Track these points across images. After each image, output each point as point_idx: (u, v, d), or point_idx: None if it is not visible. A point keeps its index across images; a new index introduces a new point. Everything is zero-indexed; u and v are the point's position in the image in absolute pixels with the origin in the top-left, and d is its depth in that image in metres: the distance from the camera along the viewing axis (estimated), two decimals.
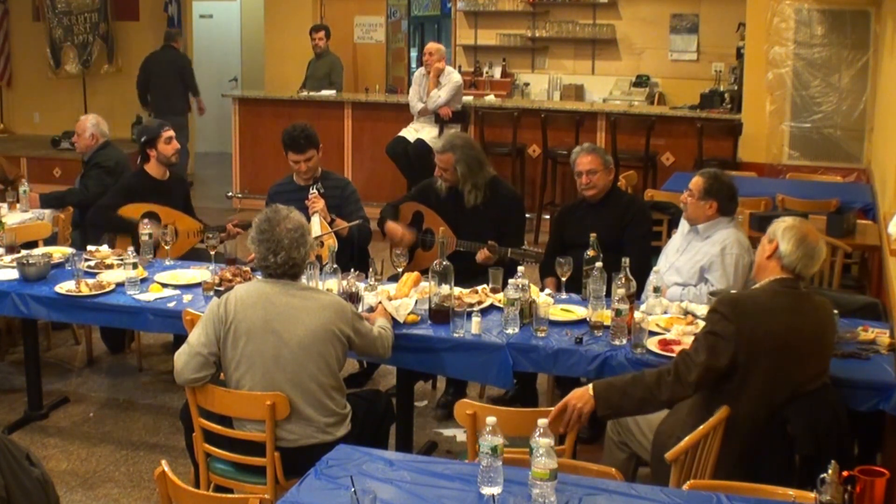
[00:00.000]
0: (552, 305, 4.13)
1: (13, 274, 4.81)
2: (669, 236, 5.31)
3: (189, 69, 10.58)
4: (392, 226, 5.31)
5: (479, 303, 4.28)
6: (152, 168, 5.72)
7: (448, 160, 5.13)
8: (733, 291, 3.84)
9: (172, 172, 5.85)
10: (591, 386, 3.25)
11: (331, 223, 5.20)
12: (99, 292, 4.59)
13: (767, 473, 3.15)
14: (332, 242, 4.90)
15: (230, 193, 10.18)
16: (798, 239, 3.34)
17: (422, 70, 8.86)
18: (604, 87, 10.86)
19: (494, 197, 5.18)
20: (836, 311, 3.92)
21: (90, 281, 4.68)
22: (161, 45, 10.52)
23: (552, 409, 3.21)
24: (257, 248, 3.58)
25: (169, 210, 5.61)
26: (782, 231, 3.37)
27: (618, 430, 3.73)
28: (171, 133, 5.73)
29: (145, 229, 5.15)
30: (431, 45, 8.84)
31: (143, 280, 4.70)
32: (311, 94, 9.71)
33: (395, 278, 4.63)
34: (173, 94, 10.36)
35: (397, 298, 4.22)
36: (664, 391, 3.24)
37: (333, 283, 4.35)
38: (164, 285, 4.67)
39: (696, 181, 4.51)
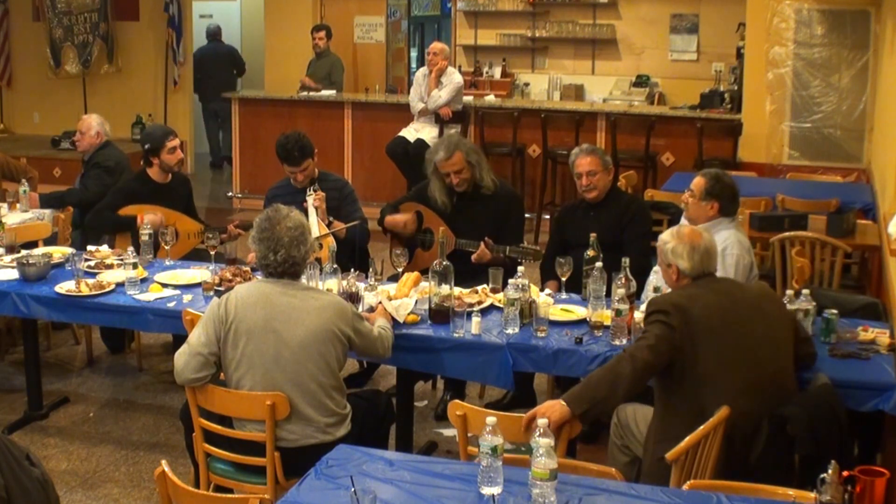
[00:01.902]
0: (552, 305, 4.13)
1: (13, 274, 4.81)
2: None
3: (240, 57, 12.31)
4: (391, 218, 5.31)
5: (479, 303, 4.28)
6: (154, 172, 5.71)
7: (460, 159, 5.11)
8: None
9: (175, 174, 5.84)
10: (561, 397, 3.29)
11: (328, 225, 5.20)
12: (99, 292, 4.59)
13: (767, 473, 3.15)
14: (330, 242, 4.90)
15: (230, 193, 10.18)
16: (689, 252, 3.54)
17: (423, 70, 8.86)
18: (604, 87, 10.86)
19: (494, 195, 5.19)
20: (828, 308, 3.94)
21: (90, 281, 4.68)
22: (208, 41, 12.18)
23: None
24: (258, 246, 3.58)
25: (169, 212, 5.60)
26: (671, 253, 3.58)
27: (620, 434, 3.74)
28: (176, 143, 5.71)
29: (145, 229, 5.15)
30: (436, 45, 8.85)
31: (143, 280, 4.70)
32: (311, 94, 9.71)
33: (395, 278, 4.63)
34: (225, 82, 11.67)
35: (397, 298, 4.22)
36: (625, 365, 3.34)
37: (333, 283, 4.35)
38: (164, 285, 4.67)
39: (698, 182, 4.51)
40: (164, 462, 2.75)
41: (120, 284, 4.64)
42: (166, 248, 5.16)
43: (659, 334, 3.35)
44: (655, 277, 4.31)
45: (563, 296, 4.47)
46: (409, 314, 4.13)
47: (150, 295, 4.55)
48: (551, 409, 3.22)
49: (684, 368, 3.33)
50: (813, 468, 2.94)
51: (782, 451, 3.27)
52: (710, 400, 3.25)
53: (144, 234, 5.13)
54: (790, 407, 3.28)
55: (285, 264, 3.55)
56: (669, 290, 4.09)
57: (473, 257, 4.94)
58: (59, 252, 5.19)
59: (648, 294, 4.32)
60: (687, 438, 3.08)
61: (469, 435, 3.23)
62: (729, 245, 4.42)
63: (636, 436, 3.65)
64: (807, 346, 3.62)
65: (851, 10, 8.19)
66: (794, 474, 3.25)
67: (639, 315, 3.87)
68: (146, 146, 5.70)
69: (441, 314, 4.11)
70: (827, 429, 3.26)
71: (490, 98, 9.84)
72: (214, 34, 12.31)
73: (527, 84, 11.22)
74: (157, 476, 2.73)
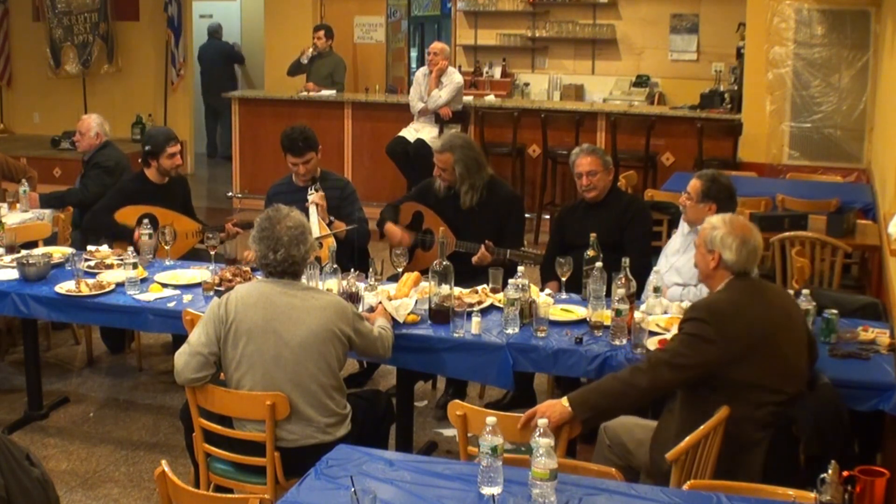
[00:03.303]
0: (552, 305, 4.13)
1: (13, 274, 4.81)
2: (669, 236, 5.31)
3: (237, 52, 12.84)
4: (391, 227, 5.31)
5: (479, 303, 4.28)
6: (152, 173, 5.71)
7: (447, 160, 5.13)
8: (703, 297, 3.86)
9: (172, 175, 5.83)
10: (565, 397, 3.28)
11: (329, 224, 5.20)
12: (99, 292, 4.59)
13: (772, 474, 3.15)
14: (330, 242, 4.90)
15: (230, 193, 10.18)
16: (739, 245, 3.40)
17: (423, 70, 8.86)
18: (604, 87, 10.85)
19: (493, 197, 5.18)
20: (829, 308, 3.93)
21: (90, 281, 4.68)
22: (207, 38, 12.59)
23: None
24: (258, 245, 3.58)
25: (166, 211, 5.60)
26: (720, 241, 3.42)
27: (616, 454, 3.68)
28: (177, 149, 5.70)
29: (145, 229, 5.15)
30: (436, 45, 8.85)
31: (143, 280, 4.70)
32: (311, 94, 9.71)
33: (395, 278, 4.63)
34: (223, 77, 12.29)
35: (397, 298, 4.21)
36: (642, 378, 3.28)
37: (333, 283, 4.35)
38: (164, 285, 4.67)
39: (694, 184, 4.51)
40: (164, 462, 2.75)
41: (120, 284, 4.64)
42: (166, 247, 5.17)
43: (688, 353, 3.26)
44: (655, 277, 4.31)
45: (563, 296, 4.47)
46: (409, 314, 4.13)
47: (150, 295, 4.55)
48: (551, 408, 3.21)
49: (722, 378, 3.25)
50: (816, 468, 2.93)
51: (787, 451, 3.27)
52: (743, 408, 3.21)
53: (144, 233, 5.14)
54: (795, 408, 3.28)
55: (285, 263, 3.55)
56: (686, 280, 4.08)
57: (474, 260, 4.94)
58: (59, 252, 5.19)
59: (648, 294, 4.32)
60: (687, 438, 3.07)
61: (469, 435, 3.23)
62: None
63: (633, 451, 3.60)
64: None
65: (851, 10, 8.19)
66: (798, 475, 3.24)
67: (639, 315, 3.87)
68: (146, 148, 5.70)
69: (441, 314, 4.11)
70: (832, 429, 3.26)
71: (490, 98, 9.83)
72: (214, 32, 12.67)
73: (527, 84, 11.21)
74: (157, 476, 2.73)
